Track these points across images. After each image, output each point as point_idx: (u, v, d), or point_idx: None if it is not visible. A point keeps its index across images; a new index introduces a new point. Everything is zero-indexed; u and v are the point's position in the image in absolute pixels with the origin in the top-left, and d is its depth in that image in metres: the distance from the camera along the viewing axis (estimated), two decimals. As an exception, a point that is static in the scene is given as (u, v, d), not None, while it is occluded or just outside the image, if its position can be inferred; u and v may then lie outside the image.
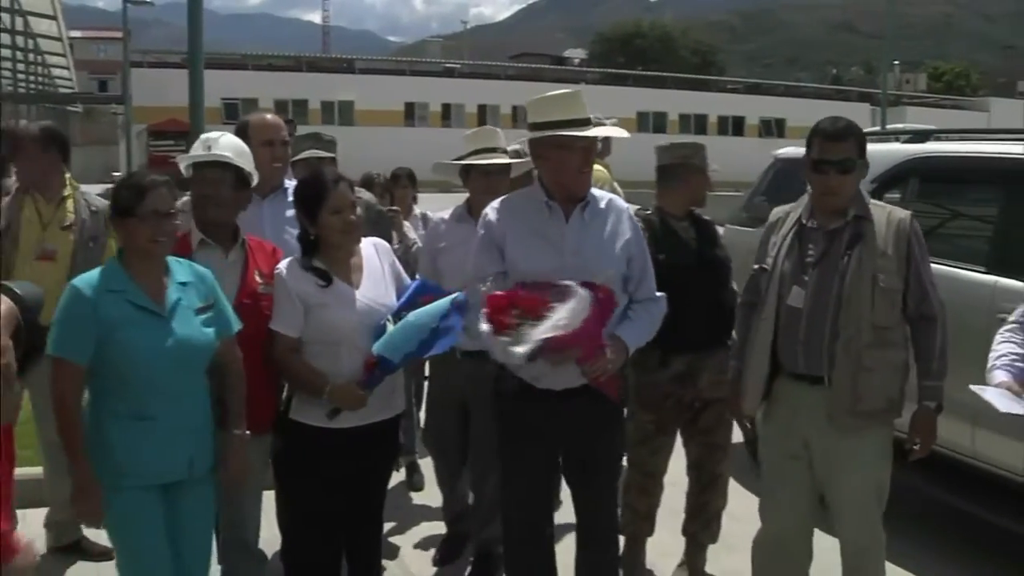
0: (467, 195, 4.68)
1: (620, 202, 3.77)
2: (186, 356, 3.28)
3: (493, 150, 4.57)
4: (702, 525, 4.73)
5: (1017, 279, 4.59)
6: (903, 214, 3.73)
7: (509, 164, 4.60)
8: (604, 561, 3.85)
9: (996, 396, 3.34)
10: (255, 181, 3.89)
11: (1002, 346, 3.54)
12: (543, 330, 3.26)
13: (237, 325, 3.52)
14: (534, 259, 3.50)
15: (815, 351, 3.69)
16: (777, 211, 3.99)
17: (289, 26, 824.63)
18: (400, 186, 6.64)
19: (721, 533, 4.78)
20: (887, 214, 3.71)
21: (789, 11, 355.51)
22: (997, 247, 4.94)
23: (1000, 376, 3.43)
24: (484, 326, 3.31)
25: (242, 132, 4.20)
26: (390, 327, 3.62)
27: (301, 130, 5.96)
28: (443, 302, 3.61)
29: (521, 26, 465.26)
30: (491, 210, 3.69)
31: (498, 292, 3.37)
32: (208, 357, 3.39)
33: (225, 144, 3.80)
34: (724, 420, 4.62)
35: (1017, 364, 3.46)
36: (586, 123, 3.52)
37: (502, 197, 3.78)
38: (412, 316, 3.59)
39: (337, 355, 3.60)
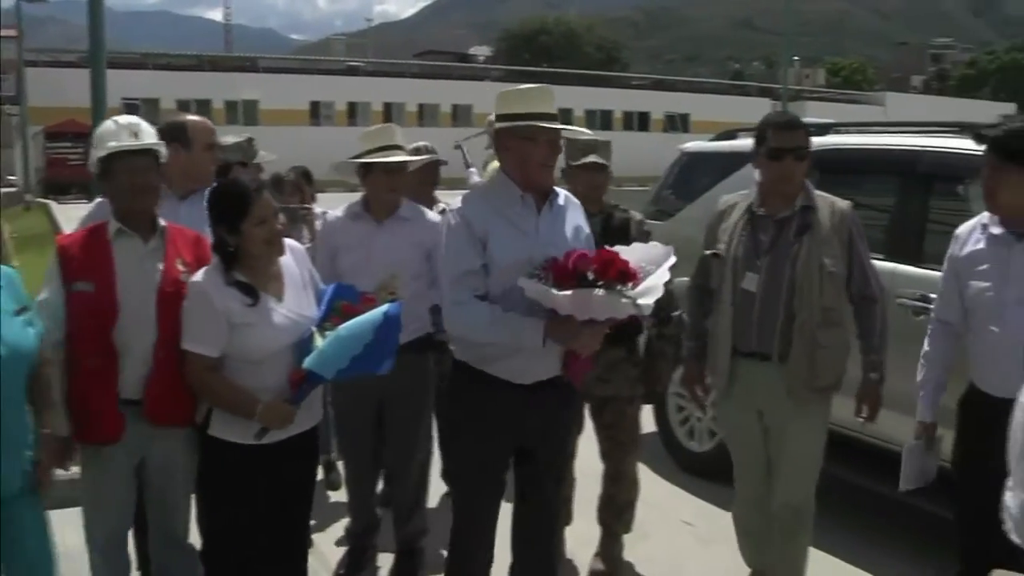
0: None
1: (570, 195, 3.78)
2: (15, 361, 3.10)
3: (392, 148, 4.50)
4: (614, 515, 4.80)
5: (912, 265, 4.77)
6: (844, 205, 3.98)
7: (408, 161, 4.57)
8: (549, 556, 3.84)
9: (904, 473, 3.78)
10: (164, 160, 3.68)
11: (929, 354, 3.83)
12: (660, 275, 3.29)
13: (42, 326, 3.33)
14: (513, 251, 3.43)
15: (768, 331, 3.93)
16: (725, 199, 4.23)
17: (189, 24, 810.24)
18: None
19: (637, 521, 4.86)
20: (831, 204, 3.96)
21: (690, 7, 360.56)
22: (894, 235, 5.10)
23: (925, 412, 3.78)
24: (565, 291, 3.19)
25: (179, 135, 4.10)
26: (318, 340, 3.45)
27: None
28: (375, 314, 3.43)
29: (426, 23, 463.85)
30: (466, 204, 3.55)
31: (584, 251, 3.32)
32: (33, 360, 3.20)
33: (148, 130, 3.62)
34: (626, 417, 4.70)
35: (940, 389, 3.79)
36: (553, 118, 3.49)
37: (469, 191, 3.68)
38: (344, 330, 3.39)
39: (259, 372, 3.40)
